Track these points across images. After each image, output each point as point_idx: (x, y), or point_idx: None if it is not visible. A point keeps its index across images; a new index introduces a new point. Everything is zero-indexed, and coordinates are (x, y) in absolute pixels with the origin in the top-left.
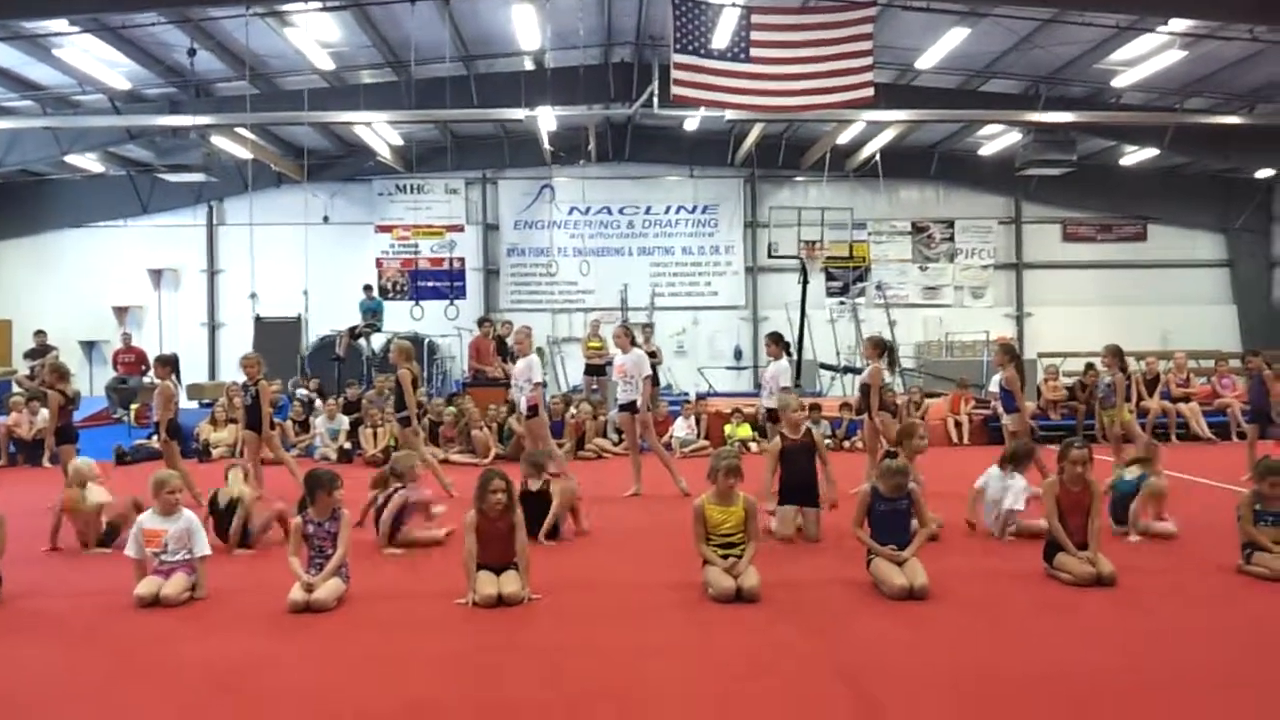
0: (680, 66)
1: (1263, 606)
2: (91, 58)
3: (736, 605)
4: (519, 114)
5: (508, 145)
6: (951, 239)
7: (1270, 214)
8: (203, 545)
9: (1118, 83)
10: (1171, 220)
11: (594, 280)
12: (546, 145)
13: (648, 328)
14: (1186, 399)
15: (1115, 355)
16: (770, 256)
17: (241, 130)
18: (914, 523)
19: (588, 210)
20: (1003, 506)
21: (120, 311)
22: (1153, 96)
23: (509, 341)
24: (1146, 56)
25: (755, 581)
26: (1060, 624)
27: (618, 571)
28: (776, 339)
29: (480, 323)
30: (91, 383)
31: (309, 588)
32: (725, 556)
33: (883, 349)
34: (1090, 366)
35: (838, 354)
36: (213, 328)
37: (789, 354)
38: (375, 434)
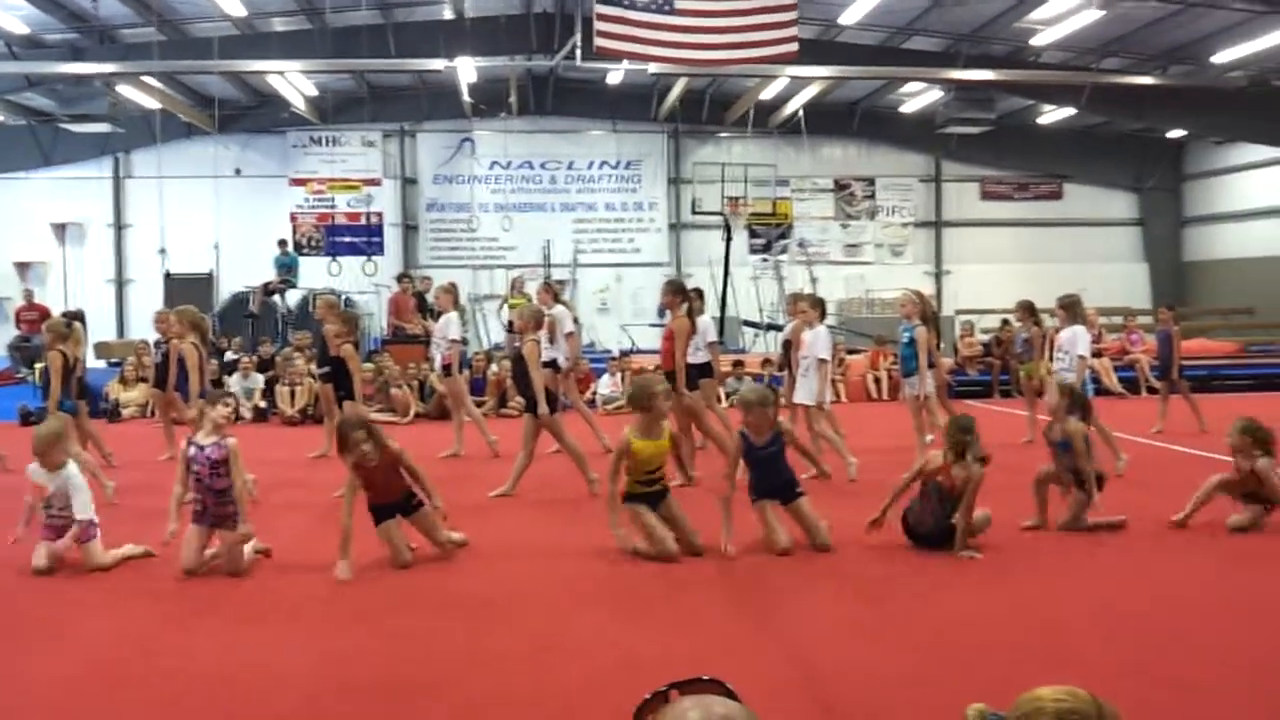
0: (603, 18)
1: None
2: None
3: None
4: (438, 65)
5: (427, 97)
6: (873, 196)
7: (1180, 173)
8: (82, 507)
9: (1037, 42)
10: (1087, 179)
11: (516, 236)
12: (467, 97)
13: (561, 284)
14: (1098, 354)
15: (1029, 311)
16: (694, 213)
17: (149, 79)
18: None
19: (509, 165)
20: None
21: (22, 267)
22: (1071, 56)
23: (429, 297)
24: (1065, 16)
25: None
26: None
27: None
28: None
29: (400, 279)
30: None
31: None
32: (648, 496)
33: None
34: (1005, 323)
35: (760, 311)
36: (120, 284)
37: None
38: (293, 392)
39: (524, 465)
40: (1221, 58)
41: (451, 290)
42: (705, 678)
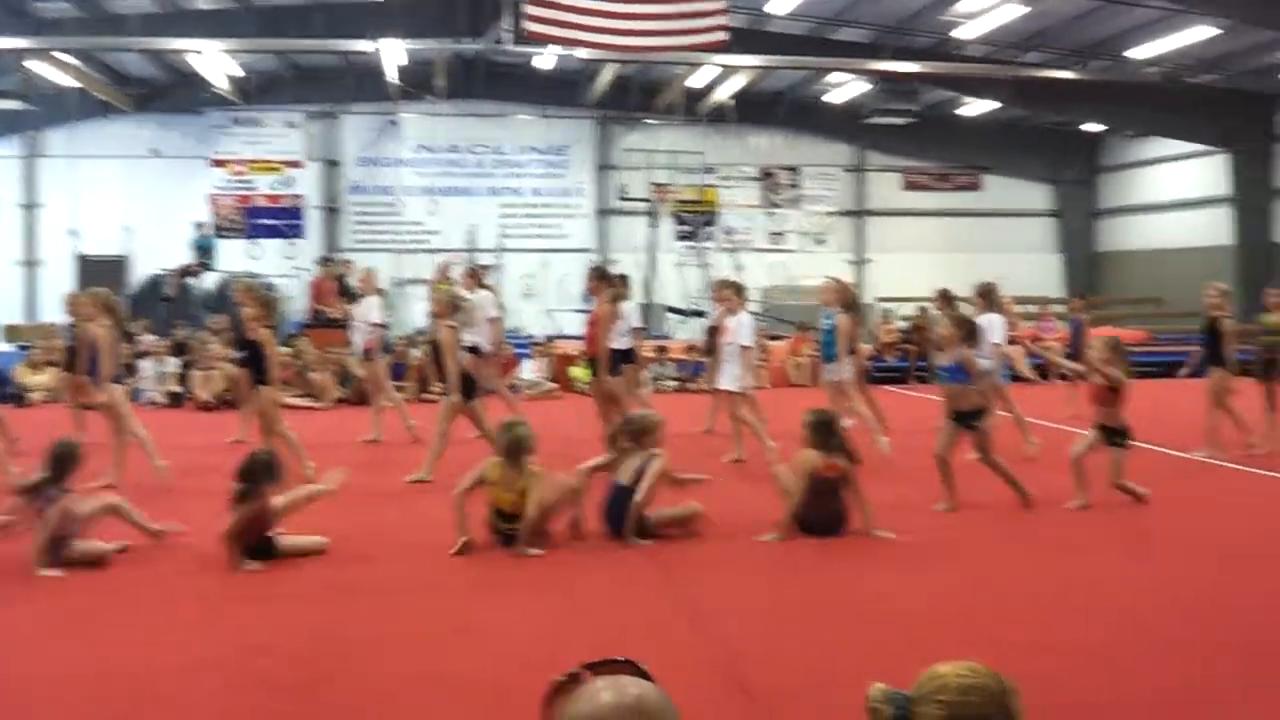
0: (534, 2)
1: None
2: None
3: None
4: (365, 46)
5: (352, 79)
6: (797, 185)
7: (1095, 166)
8: None
9: (960, 35)
10: (1005, 171)
11: (441, 221)
12: (394, 80)
13: (486, 269)
14: (1013, 341)
15: (946, 299)
16: (621, 199)
17: (63, 56)
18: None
19: (436, 148)
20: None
21: None
22: (993, 50)
23: (351, 281)
24: (988, 9)
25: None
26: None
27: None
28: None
29: (322, 262)
30: None
31: None
32: (507, 536)
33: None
34: (923, 310)
35: (686, 298)
36: (30, 266)
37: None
38: (208, 377)
39: (440, 449)
40: (1138, 53)
41: (371, 274)
42: (618, 658)
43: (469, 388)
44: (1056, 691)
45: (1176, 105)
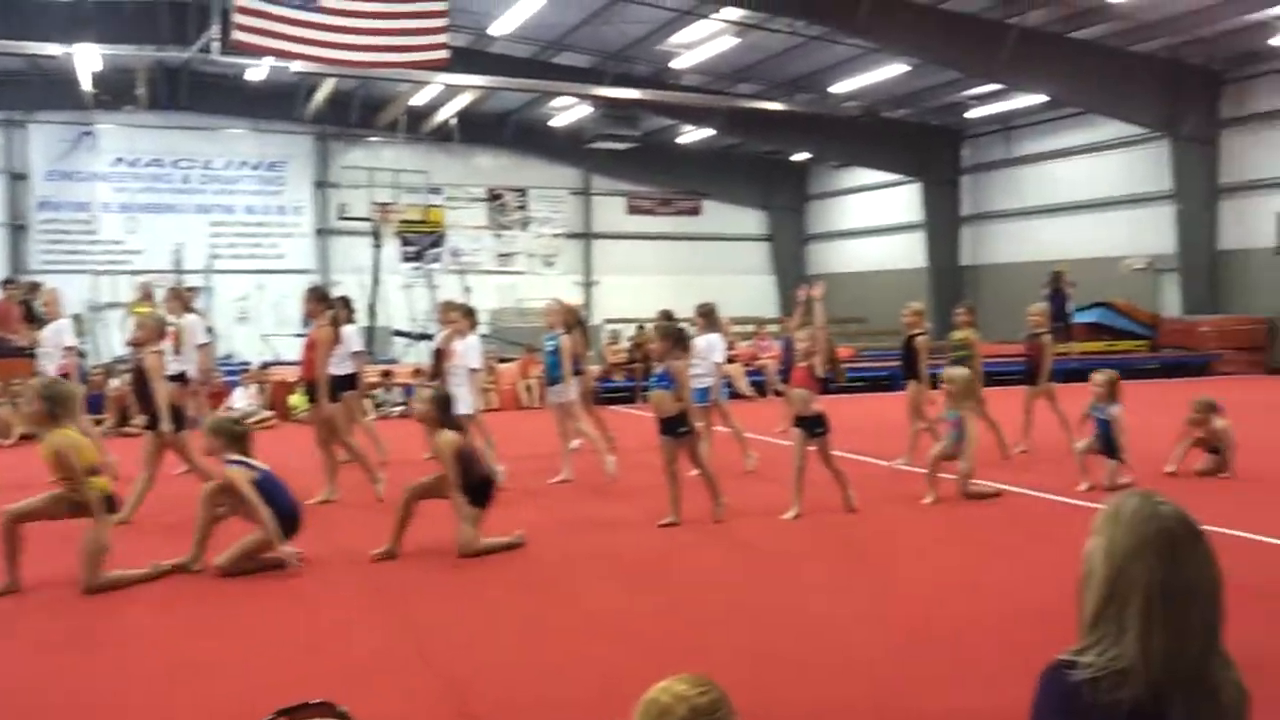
0: (242, 10)
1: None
2: None
3: None
4: (55, 49)
5: (41, 84)
6: (525, 207)
7: (804, 194)
8: None
9: (677, 65)
10: (723, 197)
11: (143, 239)
12: (89, 87)
13: (193, 291)
14: (732, 360)
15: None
16: (341, 218)
17: None
18: None
19: (136, 162)
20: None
21: None
22: (708, 80)
23: (37, 305)
24: (703, 41)
25: None
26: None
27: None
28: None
29: (4, 284)
30: None
31: None
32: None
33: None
34: (642, 329)
35: (412, 320)
36: None
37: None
38: None
39: (145, 488)
40: (840, 88)
41: (55, 295)
42: (314, 701)
43: (177, 419)
44: (771, 701)
45: (875, 138)
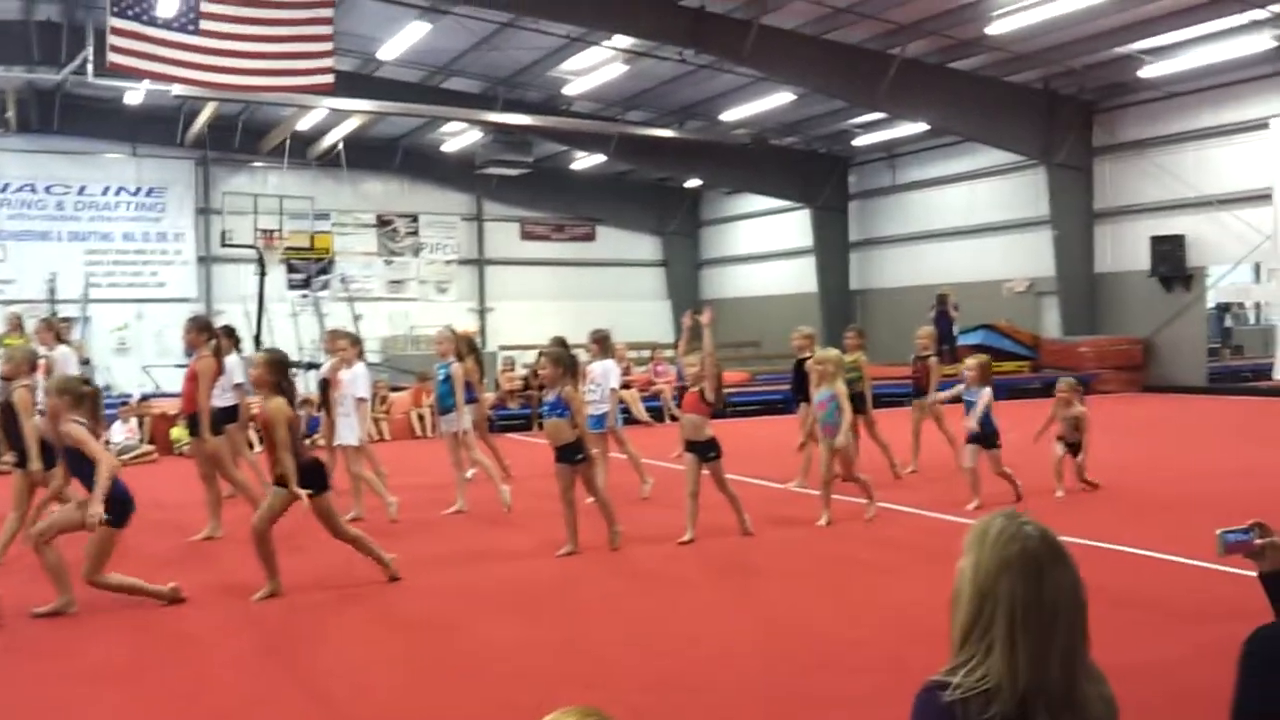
0: (118, 32)
1: None
2: None
3: None
4: None
5: None
6: (416, 233)
7: (698, 220)
8: None
9: (569, 90)
10: (616, 223)
11: (13, 268)
12: None
13: (67, 322)
14: (627, 386)
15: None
16: (224, 245)
17: None
18: None
19: (6, 187)
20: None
21: None
22: (600, 107)
23: None
24: (594, 68)
25: None
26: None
27: None
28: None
29: None
30: None
31: None
32: None
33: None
34: (540, 355)
35: (300, 349)
36: None
37: (236, 346)
38: None
39: (15, 530)
40: (730, 116)
41: None
42: None
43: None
44: None
45: (764, 164)
